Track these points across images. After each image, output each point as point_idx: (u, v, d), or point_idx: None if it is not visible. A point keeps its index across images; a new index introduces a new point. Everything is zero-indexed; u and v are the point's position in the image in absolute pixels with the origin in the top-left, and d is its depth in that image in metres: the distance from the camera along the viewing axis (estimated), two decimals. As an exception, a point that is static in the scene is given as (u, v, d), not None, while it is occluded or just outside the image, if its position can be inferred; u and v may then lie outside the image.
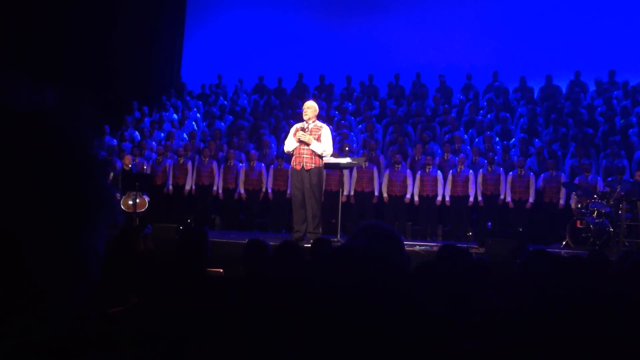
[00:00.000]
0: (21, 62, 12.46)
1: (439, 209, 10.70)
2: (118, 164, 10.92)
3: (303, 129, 7.73)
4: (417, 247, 8.09)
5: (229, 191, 11.21)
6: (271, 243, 4.57)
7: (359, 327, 1.24)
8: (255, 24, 16.03)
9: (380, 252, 1.33)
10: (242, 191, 11.12)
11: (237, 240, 7.82)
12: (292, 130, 7.92)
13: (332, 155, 7.99)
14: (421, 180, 10.55)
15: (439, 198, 10.53)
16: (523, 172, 10.36)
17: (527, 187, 10.33)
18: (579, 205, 9.52)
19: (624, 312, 2.71)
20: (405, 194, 10.59)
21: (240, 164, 11.24)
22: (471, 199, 10.46)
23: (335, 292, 1.26)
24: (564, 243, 9.35)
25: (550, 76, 13.36)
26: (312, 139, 7.62)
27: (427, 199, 10.57)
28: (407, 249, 7.77)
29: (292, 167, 7.87)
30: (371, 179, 10.72)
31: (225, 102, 14.31)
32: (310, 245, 6.02)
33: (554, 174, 10.26)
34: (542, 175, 10.38)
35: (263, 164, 11.18)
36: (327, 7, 15.79)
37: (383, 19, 15.23)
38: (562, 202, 10.21)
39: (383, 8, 15.31)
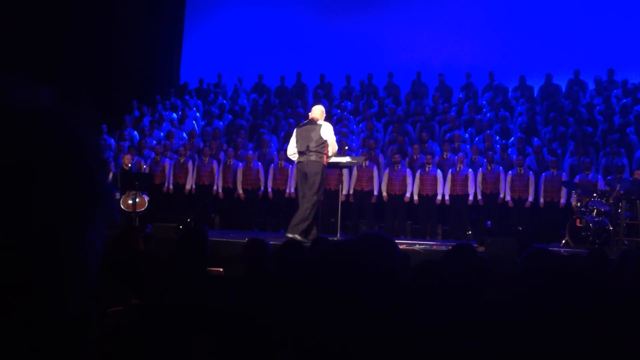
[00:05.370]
0: (20, 62, 12.45)
1: (439, 208, 10.70)
2: (118, 163, 10.93)
3: None
4: (417, 246, 8.09)
5: (228, 190, 11.19)
6: (271, 242, 4.58)
7: (357, 326, 1.24)
8: (255, 23, 16.02)
9: (375, 250, 1.33)
10: (240, 191, 11.08)
11: (237, 239, 7.80)
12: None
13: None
14: (421, 180, 10.55)
15: (439, 197, 10.53)
16: (522, 171, 10.36)
17: (527, 186, 10.33)
18: (579, 204, 9.52)
19: (624, 311, 2.71)
20: (405, 193, 10.59)
21: (239, 164, 11.22)
22: (471, 197, 10.46)
23: (333, 290, 1.26)
24: (563, 242, 9.35)
25: (550, 75, 13.36)
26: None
27: (427, 198, 10.57)
28: (406, 248, 7.75)
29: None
30: (371, 178, 10.72)
31: (225, 102, 14.30)
32: (310, 244, 6.02)
33: (556, 173, 10.27)
34: (543, 174, 10.38)
35: (260, 163, 11.16)
36: (327, 6, 15.79)
37: (383, 18, 15.23)
38: (562, 201, 10.22)
39: (383, 7, 15.31)
